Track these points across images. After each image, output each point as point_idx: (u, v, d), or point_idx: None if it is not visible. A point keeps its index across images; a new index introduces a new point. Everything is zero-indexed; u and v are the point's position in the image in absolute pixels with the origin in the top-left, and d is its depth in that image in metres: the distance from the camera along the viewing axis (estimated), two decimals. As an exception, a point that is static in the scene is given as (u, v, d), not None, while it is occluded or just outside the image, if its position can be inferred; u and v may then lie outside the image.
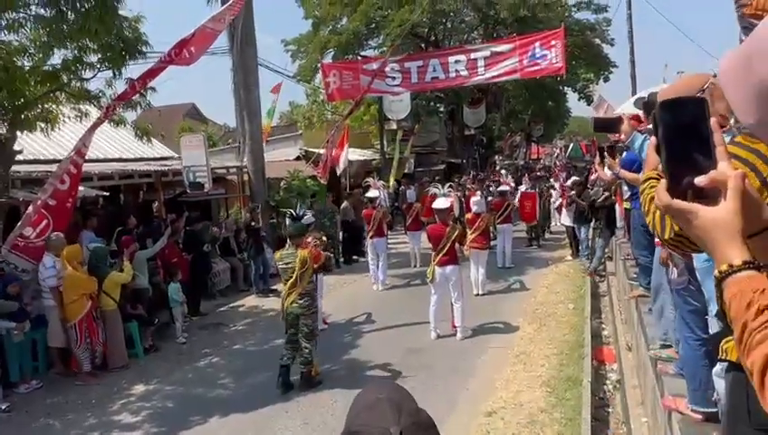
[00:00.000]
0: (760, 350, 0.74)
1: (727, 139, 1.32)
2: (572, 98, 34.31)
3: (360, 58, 18.40)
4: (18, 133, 7.15)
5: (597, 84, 23.45)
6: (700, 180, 0.82)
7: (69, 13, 6.44)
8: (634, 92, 14.80)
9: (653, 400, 3.81)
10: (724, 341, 1.30)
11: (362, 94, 13.62)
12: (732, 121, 1.36)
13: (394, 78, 13.65)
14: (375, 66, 13.63)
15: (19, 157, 7.44)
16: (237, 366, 6.50)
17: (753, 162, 1.21)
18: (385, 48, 18.55)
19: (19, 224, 6.52)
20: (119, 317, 6.66)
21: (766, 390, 0.72)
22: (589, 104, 23.42)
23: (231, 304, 9.47)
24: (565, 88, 26.37)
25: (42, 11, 6.54)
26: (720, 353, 1.31)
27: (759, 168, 1.20)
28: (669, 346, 3.95)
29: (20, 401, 5.79)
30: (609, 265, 9.82)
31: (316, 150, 13.85)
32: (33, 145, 9.80)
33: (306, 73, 20.58)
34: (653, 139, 0.96)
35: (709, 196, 0.83)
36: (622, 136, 3.48)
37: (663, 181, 0.87)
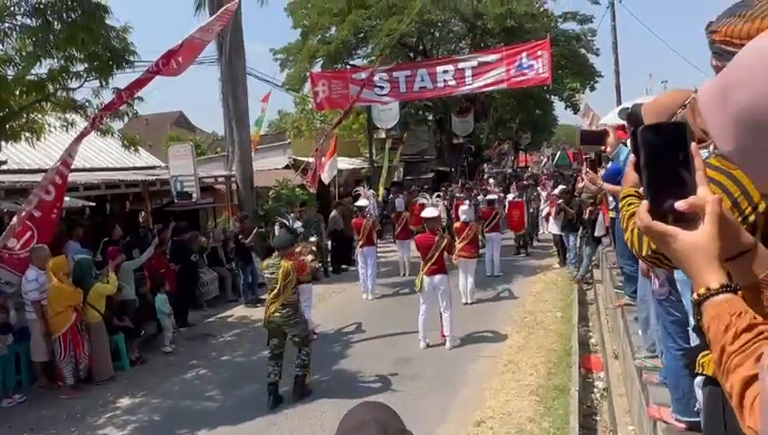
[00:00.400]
0: (738, 373, 0.75)
1: (705, 153, 1.36)
2: (559, 107, 34.76)
3: (348, 67, 18.49)
4: (3, 143, 7.09)
5: (583, 93, 23.72)
6: (679, 205, 0.84)
7: (55, 22, 6.43)
8: (619, 102, 15.06)
9: (639, 408, 3.85)
10: (701, 355, 1.33)
11: (351, 104, 13.68)
12: (711, 148, 1.41)
13: (382, 87, 13.74)
14: (364, 76, 13.70)
15: (3, 167, 7.38)
16: (225, 378, 6.45)
17: (725, 184, 1.25)
18: (374, 57, 18.65)
19: (3, 235, 6.43)
20: (104, 329, 6.58)
21: (745, 411, 0.73)
22: (575, 113, 23.71)
23: (219, 315, 9.40)
24: (552, 97, 26.64)
25: (28, 21, 6.51)
26: (697, 368, 1.34)
27: (730, 189, 1.25)
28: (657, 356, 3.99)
29: (2, 415, 5.69)
30: (596, 272, 9.91)
31: (305, 159, 13.85)
32: (18, 155, 9.71)
33: (295, 82, 20.63)
34: (632, 156, 0.99)
35: (689, 219, 0.85)
36: (608, 148, 3.56)
37: (644, 203, 0.89)
